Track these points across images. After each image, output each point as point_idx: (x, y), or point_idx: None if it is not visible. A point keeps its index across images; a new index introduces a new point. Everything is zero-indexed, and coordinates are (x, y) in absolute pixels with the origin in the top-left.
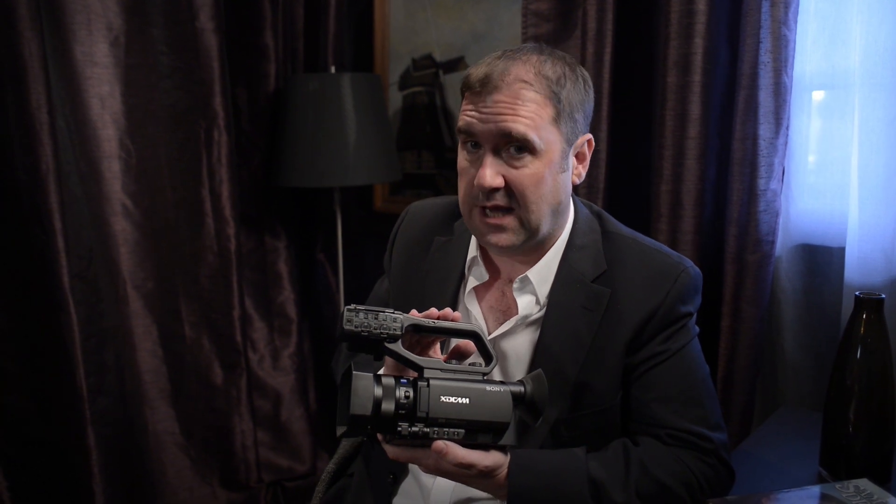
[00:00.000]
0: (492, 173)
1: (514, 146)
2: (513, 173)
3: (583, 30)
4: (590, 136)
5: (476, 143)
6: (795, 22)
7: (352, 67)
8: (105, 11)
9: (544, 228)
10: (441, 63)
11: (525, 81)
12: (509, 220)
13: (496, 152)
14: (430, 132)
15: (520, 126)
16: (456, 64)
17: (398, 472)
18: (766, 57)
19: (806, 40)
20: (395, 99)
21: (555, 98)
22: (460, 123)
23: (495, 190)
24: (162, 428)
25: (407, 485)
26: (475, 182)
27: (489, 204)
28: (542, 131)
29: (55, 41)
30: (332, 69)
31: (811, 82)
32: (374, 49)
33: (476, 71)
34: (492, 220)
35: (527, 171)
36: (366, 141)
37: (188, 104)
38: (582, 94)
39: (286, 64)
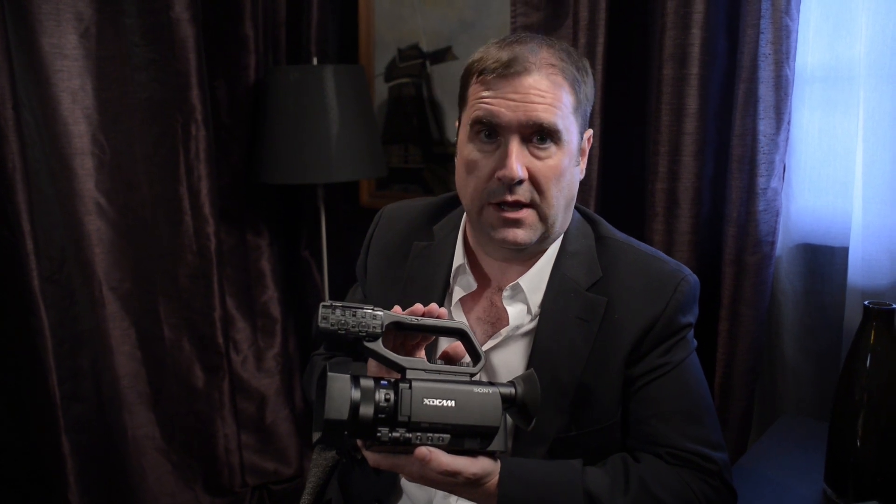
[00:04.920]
0: (520, 165)
1: (540, 136)
2: (537, 165)
3: (574, 19)
4: (591, 130)
5: (491, 132)
6: (798, 11)
7: (336, 58)
8: (74, 1)
9: (557, 225)
10: (428, 53)
11: (554, 66)
12: (528, 215)
13: (520, 142)
14: (417, 125)
15: (552, 116)
16: (443, 54)
17: (384, 499)
18: (766, 48)
19: (808, 30)
20: (381, 91)
21: (577, 85)
22: (478, 112)
23: (519, 183)
24: (142, 433)
25: None
26: (498, 175)
27: (510, 199)
28: (567, 121)
29: (20, 32)
30: (315, 60)
31: (814, 74)
32: (358, 39)
33: (495, 53)
34: (510, 215)
35: (551, 162)
36: (350, 135)
37: (164, 97)
38: (592, 87)
39: (267, 55)
